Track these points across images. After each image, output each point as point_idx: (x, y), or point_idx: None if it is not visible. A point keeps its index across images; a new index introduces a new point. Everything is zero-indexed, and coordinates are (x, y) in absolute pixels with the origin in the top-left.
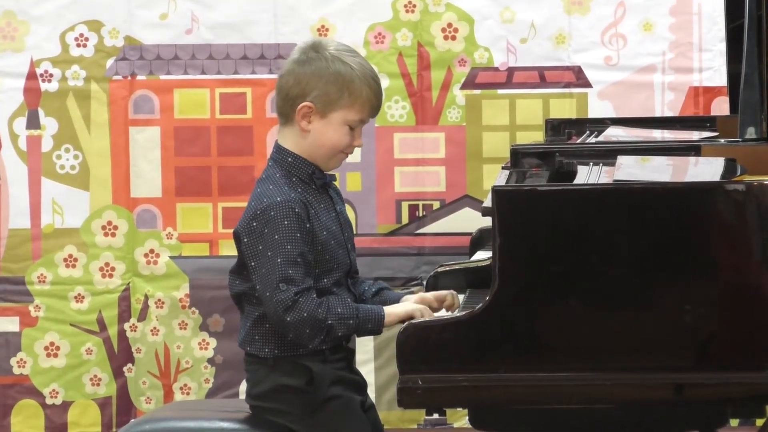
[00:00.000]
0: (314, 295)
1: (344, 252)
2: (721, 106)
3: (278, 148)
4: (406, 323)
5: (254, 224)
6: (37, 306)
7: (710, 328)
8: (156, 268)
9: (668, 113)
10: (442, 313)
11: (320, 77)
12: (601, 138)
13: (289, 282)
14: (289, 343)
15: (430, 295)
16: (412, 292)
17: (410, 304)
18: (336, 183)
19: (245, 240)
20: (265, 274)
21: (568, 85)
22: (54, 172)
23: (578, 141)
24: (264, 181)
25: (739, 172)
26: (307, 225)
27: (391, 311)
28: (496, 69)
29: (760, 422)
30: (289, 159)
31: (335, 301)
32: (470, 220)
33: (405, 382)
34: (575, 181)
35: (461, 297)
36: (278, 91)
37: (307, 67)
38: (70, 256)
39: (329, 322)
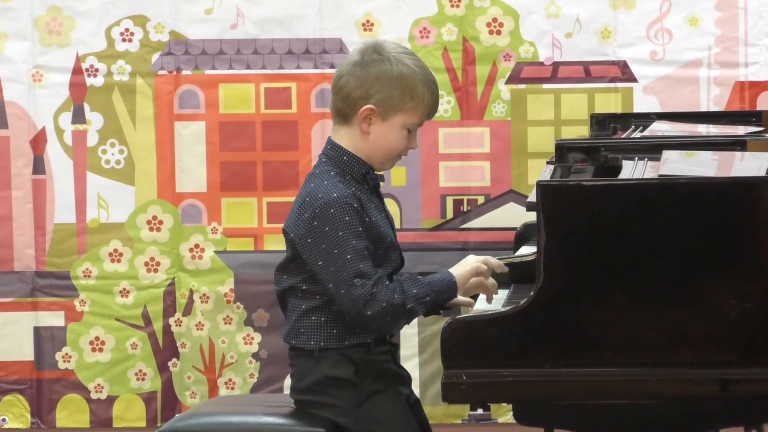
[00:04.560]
0: (387, 283)
1: (396, 252)
2: (767, 101)
3: (333, 146)
4: (451, 318)
5: (315, 224)
6: (82, 301)
7: (756, 324)
8: (201, 263)
9: (714, 108)
10: (487, 307)
11: (384, 80)
12: (646, 133)
13: (363, 276)
14: (335, 335)
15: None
16: None
17: (472, 259)
18: (381, 183)
19: (309, 241)
20: (336, 272)
21: (613, 80)
22: (99, 166)
23: (623, 136)
24: (317, 176)
25: None
26: (366, 219)
27: (460, 272)
28: (541, 64)
29: None
30: (345, 157)
31: (409, 283)
32: (515, 215)
33: (449, 377)
34: (620, 176)
35: (506, 292)
36: (337, 91)
37: (370, 69)
38: (116, 250)
39: (408, 306)
